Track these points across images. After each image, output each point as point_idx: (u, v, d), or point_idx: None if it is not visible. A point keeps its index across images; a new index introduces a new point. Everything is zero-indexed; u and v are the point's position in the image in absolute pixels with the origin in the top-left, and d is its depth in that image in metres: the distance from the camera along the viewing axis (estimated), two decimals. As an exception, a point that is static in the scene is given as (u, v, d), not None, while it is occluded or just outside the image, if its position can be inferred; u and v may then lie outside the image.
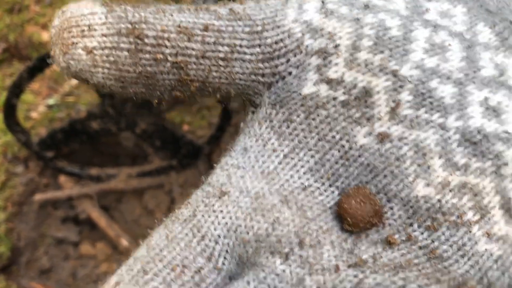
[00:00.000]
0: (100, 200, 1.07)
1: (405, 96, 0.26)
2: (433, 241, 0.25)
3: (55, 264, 1.08)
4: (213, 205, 0.25)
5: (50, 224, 1.10)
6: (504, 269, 0.24)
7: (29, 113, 1.10)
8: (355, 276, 0.24)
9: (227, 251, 0.24)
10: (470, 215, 0.24)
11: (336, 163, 0.27)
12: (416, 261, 0.24)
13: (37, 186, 1.07)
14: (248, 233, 0.25)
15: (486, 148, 0.25)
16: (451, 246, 0.24)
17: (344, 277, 0.24)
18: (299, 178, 0.27)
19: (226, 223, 0.25)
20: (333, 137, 0.26)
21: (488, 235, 0.24)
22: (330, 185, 0.27)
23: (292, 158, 0.27)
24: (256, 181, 0.26)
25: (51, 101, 1.11)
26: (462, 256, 0.24)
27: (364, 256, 0.24)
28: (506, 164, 0.24)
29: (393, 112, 0.26)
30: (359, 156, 0.26)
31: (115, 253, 1.10)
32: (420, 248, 0.25)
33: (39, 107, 1.10)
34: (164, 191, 1.06)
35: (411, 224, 0.25)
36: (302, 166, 0.27)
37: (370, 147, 0.26)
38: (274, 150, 0.27)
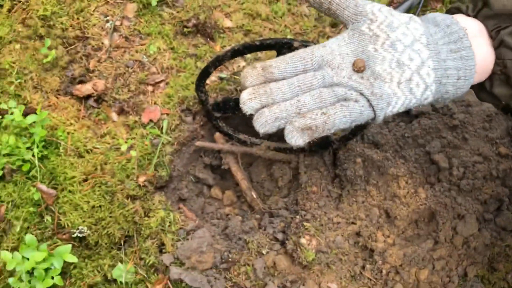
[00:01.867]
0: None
1: (388, 42, 0.69)
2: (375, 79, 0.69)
3: (190, 197, 1.39)
4: (316, 48, 0.69)
5: (196, 166, 1.42)
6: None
7: (203, 79, 1.41)
8: (350, 78, 0.68)
9: (316, 61, 0.67)
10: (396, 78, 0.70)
11: (360, 51, 0.69)
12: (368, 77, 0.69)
13: (197, 135, 1.38)
14: (323, 57, 0.67)
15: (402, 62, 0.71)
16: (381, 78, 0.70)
17: (348, 77, 0.68)
18: (346, 50, 0.69)
19: (320, 53, 0.67)
20: (364, 44, 0.69)
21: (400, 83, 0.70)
22: (354, 56, 0.69)
23: (348, 43, 0.69)
24: (334, 45, 0.70)
25: (222, 75, 1.42)
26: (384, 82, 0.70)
27: (355, 77, 0.68)
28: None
29: (382, 44, 0.69)
30: (369, 51, 0.69)
31: (238, 202, 1.40)
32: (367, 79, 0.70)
33: (212, 77, 1.41)
34: (290, 167, 1.35)
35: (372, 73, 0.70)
36: (349, 48, 0.69)
37: (371, 51, 0.68)
38: (344, 39, 0.70)
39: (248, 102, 0.64)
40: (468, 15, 0.75)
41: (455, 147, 1.21)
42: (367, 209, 1.22)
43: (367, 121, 0.70)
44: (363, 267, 1.19)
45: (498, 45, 0.71)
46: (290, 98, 0.65)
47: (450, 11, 0.78)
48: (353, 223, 1.22)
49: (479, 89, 0.77)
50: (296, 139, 0.62)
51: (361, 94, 0.67)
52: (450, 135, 1.21)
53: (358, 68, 0.68)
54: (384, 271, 1.17)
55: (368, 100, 0.66)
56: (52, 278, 1.10)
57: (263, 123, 0.63)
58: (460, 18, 0.73)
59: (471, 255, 1.16)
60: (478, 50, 0.70)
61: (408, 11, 1.42)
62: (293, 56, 0.66)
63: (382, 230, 1.20)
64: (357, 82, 0.67)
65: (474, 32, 0.71)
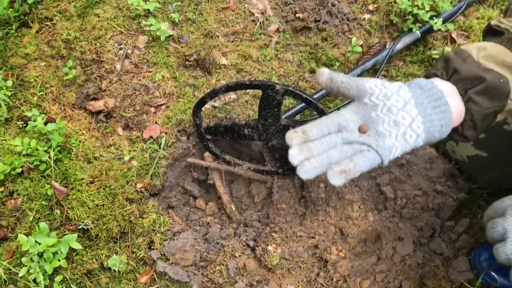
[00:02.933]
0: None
1: (385, 108, 0.91)
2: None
3: (177, 205, 1.62)
4: (335, 116, 0.91)
5: (186, 179, 1.65)
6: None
7: (199, 106, 1.66)
8: (361, 136, 0.91)
9: (336, 126, 0.91)
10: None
11: (366, 117, 0.92)
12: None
13: (189, 153, 1.63)
14: (340, 123, 0.91)
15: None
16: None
17: (359, 136, 0.91)
18: (356, 117, 0.93)
19: (338, 121, 0.91)
20: (368, 111, 0.92)
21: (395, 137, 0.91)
22: (362, 121, 0.92)
23: (356, 113, 0.93)
24: (347, 114, 0.93)
25: (215, 104, 1.67)
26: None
27: (364, 136, 0.91)
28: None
29: (381, 110, 0.91)
30: (372, 116, 0.91)
31: (219, 213, 1.63)
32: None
33: (207, 105, 1.67)
34: (265, 186, 1.59)
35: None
36: (358, 116, 0.93)
37: (374, 116, 0.91)
38: (353, 110, 0.93)
39: (296, 156, 0.87)
40: (443, 79, 0.99)
41: (401, 182, 1.47)
42: (325, 227, 1.47)
43: (378, 165, 0.92)
44: (318, 274, 1.43)
45: (467, 100, 0.96)
46: (322, 152, 0.88)
47: (428, 76, 1.02)
48: (313, 237, 1.46)
49: (453, 131, 1.00)
50: (336, 180, 0.84)
51: (370, 147, 0.88)
52: (397, 171, 1.48)
53: (362, 130, 0.90)
54: (334, 279, 1.41)
55: (376, 151, 0.88)
56: (59, 260, 1.32)
57: (305, 172, 0.86)
58: (437, 81, 0.97)
59: (406, 271, 1.41)
60: (453, 105, 0.94)
61: (370, 68, 1.72)
62: (320, 123, 0.90)
63: (336, 245, 1.45)
64: (366, 140, 0.89)
65: (448, 92, 0.95)
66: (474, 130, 0.99)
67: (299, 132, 0.88)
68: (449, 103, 0.93)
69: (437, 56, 1.76)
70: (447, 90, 0.96)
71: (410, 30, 1.79)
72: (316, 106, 1.28)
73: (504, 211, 1.00)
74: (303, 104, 1.60)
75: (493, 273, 1.36)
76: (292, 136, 0.88)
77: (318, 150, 0.87)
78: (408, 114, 0.90)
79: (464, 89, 0.96)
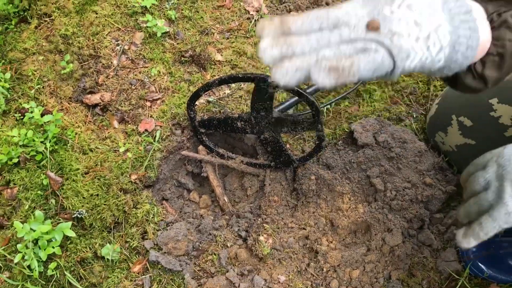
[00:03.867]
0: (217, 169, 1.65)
1: (404, 4, 0.67)
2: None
3: (172, 198, 1.65)
4: (331, 9, 0.66)
5: (180, 172, 1.68)
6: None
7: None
8: (367, 34, 0.65)
9: (332, 20, 0.65)
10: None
11: (375, 13, 0.66)
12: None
13: (183, 146, 1.65)
14: (339, 17, 0.65)
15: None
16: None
17: (365, 34, 0.66)
18: (362, 12, 0.66)
19: (335, 14, 0.65)
20: (380, 6, 0.66)
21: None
22: (369, 18, 0.66)
23: (363, 6, 0.66)
24: (348, 7, 0.66)
25: (210, 99, 1.70)
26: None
27: (372, 34, 0.66)
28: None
29: (399, 6, 0.67)
30: (384, 13, 0.66)
31: (212, 205, 1.66)
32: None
33: (201, 99, 1.70)
34: (258, 179, 1.62)
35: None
36: (365, 10, 0.66)
37: (387, 13, 0.66)
38: (358, 2, 0.67)
39: (268, 50, 0.62)
40: None
41: (390, 174, 1.50)
42: (316, 218, 1.49)
43: (386, 73, 0.69)
44: (308, 265, 1.45)
45: (499, 25, 0.75)
46: (308, 51, 0.64)
47: None
48: (303, 228, 1.49)
49: (468, 72, 0.80)
50: (323, 78, 0.60)
51: (381, 45, 0.65)
52: (387, 164, 1.51)
53: (373, 27, 0.66)
54: (324, 269, 1.43)
55: (388, 50, 0.65)
56: (53, 248, 1.34)
57: (284, 74, 0.61)
58: None
59: (395, 262, 1.43)
60: (479, 28, 0.73)
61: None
62: (309, 14, 0.65)
63: (327, 236, 1.48)
64: (376, 37, 0.66)
65: (476, 11, 0.74)
66: (499, 69, 0.78)
67: (275, 21, 0.64)
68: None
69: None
70: (475, 9, 0.75)
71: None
72: (307, 98, 1.30)
73: (485, 165, 0.92)
74: (295, 98, 1.62)
75: (480, 264, 1.39)
76: (265, 25, 0.64)
77: (303, 47, 0.63)
78: (433, 17, 0.68)
79: (496, 12, 0.77)
